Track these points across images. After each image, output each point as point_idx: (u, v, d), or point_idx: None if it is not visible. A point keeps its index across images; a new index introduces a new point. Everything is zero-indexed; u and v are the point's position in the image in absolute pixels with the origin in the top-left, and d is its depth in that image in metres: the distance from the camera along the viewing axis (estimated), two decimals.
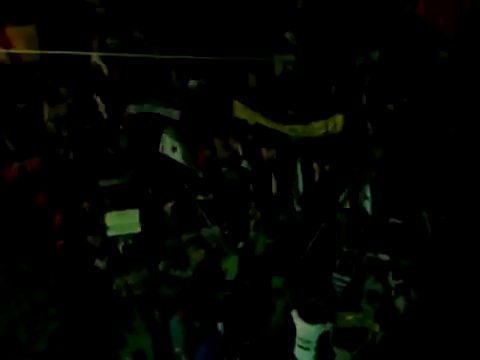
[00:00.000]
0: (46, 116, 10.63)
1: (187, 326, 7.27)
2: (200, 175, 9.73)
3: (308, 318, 6.99)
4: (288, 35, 11.33)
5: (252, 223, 8.94)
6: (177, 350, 7.29)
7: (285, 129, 9.61)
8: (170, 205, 9.24)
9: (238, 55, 11.13)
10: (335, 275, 8.01)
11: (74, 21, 11.81)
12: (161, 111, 10.33)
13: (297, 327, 7.06)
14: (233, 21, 12.23)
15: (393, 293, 7.73)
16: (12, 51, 10.82)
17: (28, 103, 10.82)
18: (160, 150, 9.44)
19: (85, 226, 8.78)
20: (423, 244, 8.44)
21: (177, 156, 9.33)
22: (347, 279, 7.94)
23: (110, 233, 8.61)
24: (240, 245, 8.64)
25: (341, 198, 8.65)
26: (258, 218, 8.96)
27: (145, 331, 7.53)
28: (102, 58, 11.18)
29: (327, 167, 9.49)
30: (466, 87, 10.49)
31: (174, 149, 9.31)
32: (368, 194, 8.75)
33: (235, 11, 12.22)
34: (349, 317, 7.12)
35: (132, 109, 10.45)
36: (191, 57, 10.75)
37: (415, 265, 8.02)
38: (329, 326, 7.03)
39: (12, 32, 10.98)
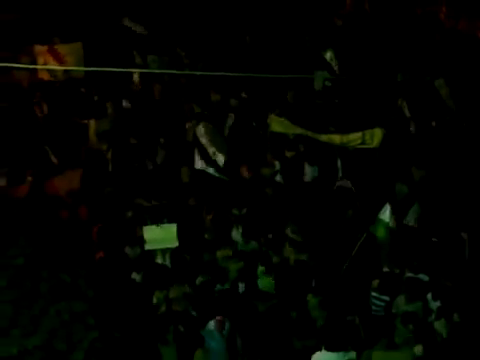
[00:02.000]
0: (91, 131, 10.92)
1: (228, 341, 7.28)
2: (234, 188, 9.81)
3: (329, 347, 6.74)
4: (328, 54, 11.29)
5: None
6: None
7: (323, 138, 9.56)
8: (209, 218, 9.31)
9: (278, 72, 11.21)
10: (373, 294, 7.86)
11: (117, 38, 12.16)
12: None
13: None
14: (272, 38, 12.34)
15: (433, 315, 7.56)
16: (63, 68, 11.21)
17: (73, 118, 11.15)
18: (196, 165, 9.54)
19: (124, 238, 8.93)
20: (462, 265, 8.22)
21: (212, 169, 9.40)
22: (386, 298, 7.78)
23: (148, 247, 8.71)
24: (275, 260, 8.62)
25: (383, 215, 8.47)
26: (292, 233, 8.92)
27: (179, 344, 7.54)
28: (143, 75, 11.43)
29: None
30: None
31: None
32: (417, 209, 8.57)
33: (273, 28, 12.33)
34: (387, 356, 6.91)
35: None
36: (232, 74, 10.89)
37: (456, 286, 7.80)
38: (354, 356, 6.78)
39: (62, 49, 11.39)
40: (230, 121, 11.04)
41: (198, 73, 11.41)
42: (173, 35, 12.52)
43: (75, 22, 12.22)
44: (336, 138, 9.48)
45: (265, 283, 8.30)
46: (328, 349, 6.73)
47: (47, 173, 10.20)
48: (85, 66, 11.27)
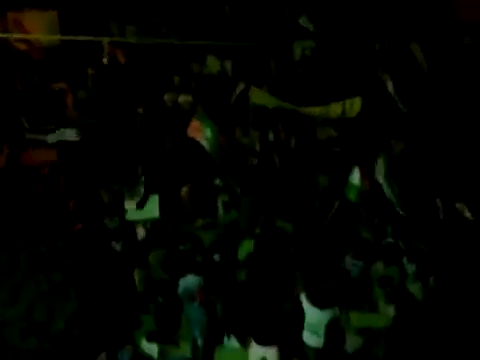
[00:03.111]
0: (69, 101, 10.74)
1: (207, 310, 7.36)
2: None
3: (316, 303, 6.97)
4: (302, 19, 11.20)
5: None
6: (196, 333, 7.38)
7: (303, 111, 9.57)
8: (186, 190, 9.30)
9: (259, 42, 11.10)
10: (348, 259, 7.99)
11: (93, 7, 11.90)
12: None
13: (306, 311, 7.05)
14: (252, 8, 12.17)
15: (409, 279, 7.70)
16: (33, 36, 10.95)
17: (50, 88, 10.95)
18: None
19: (103, 209, 8.90)
20: (437, 231, 8.37)
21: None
22: (360, 264, 7.91)
23: (129, 217, 8.72)
24: (257, 231, 8.68)
25: (352, 178, 8.58)
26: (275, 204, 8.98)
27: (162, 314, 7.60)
28: (120, 44, 11.23)
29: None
30: None
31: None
32: (385, 174, 8.75)
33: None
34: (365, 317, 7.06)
35: None
36: (210, 42, 10.75)
37: (431, 251, 7.95)
38: (338, 312, 6.98)
39: (37, 17, 11.11)
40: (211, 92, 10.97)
41: (177, 42, 11.27)
42: (152, 5, 12.28)
43: None
44: (316, 110, 9.50)
45: (245, 251, 8.34)
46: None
47: (24, 144, 10.06)
48: (61, 35, 11.04)
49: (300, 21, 11.20)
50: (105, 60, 11.09)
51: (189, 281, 7.58)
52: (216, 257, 8.06)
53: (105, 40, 11.05)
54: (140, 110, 10.53)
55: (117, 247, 8.31)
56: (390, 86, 10.17)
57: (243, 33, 11.42)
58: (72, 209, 8.86)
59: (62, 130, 9.99)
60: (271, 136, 10.23)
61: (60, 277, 7.83)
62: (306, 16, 11.19)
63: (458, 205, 8.58)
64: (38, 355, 7.36)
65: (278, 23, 11.64)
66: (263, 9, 12.00)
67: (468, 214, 8.45)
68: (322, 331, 6.91)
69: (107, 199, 9.09)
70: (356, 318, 6.99)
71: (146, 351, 7.14)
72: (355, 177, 8.60)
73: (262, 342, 6.93)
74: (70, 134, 9.95)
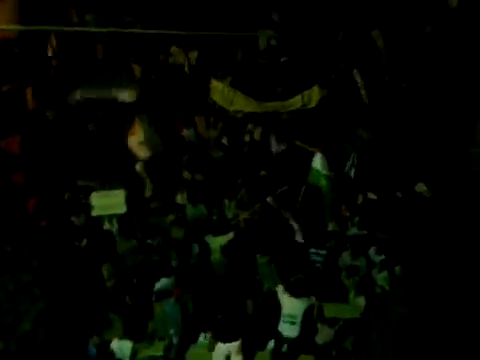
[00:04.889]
0: (29, 95, 10.45)
1: (182, 307, 7.34)
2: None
3: (294, 292, 7.05)
4: (275, 16, 11.15)
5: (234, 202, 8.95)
6: (171, 331, 7.35)
7: (263, 107, 9.59)
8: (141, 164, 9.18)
9: (224, 30, 10.99)
10: (312, 250, 8.10)
11: None
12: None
13: (283, 302, 7.12)
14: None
15: (376, 268, 7.86)
16: None
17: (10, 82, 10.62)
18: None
19: (68, 206, 8.74)
20: (397, 221, 8.55)
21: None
22: (323, 252, 8.03)
23: (95, 213, 8.58)
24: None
25: (315, 163, 8.67)
26: (243, 195, 8.98)
27: (132, 313, 7.55)
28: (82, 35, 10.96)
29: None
30: (450, 64, 10.45)
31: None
32: (354, 161, 8.90)
33: None
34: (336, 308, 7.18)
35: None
36: (175, 32, 10.59)
37: (397, 241, 8.12)
38: (314, 300, 7.11)
39: None
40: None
41: (139, 31, 11.05)
42: None
43: None
44: (277, 104, 9.54)
45: (215, 245, 8.35)
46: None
47: None
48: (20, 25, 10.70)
49: (273, 16, 11.11)
50: (49, 52, 10.81)
51: (163, 282, 7.53)
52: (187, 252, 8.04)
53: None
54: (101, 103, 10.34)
55: (83, 243, 8.20)
56: (359, 78, 10.23)
57: (208, 23, 11.29)
58: (33, 208, 8.65)
59: None
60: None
61: (27, 277, 7.68)
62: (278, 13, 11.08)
63: (419, 186, 8.76)
64: (4, 356, 7.23)
65: (243, 12, 11.56)
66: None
67: (425, 190, 8.62)
68: (298, 321, 6.99)
69: (70, 196, 8.94)
70: (329, 309, 7.09)
71: (116, 350, 7.09)
72: (318, 163, 8.64)
73: (223, 339, 6.95)
74: None
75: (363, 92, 9.89)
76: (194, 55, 11.22)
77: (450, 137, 9.70)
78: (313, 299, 7.13)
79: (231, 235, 8.25)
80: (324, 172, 8.73)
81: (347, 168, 9.30)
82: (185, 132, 10.16)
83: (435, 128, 9.83)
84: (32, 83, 10.35)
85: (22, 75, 10.55)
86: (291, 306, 7.08)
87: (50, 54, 10.87)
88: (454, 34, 10.54)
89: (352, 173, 9.18)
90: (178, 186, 9.27)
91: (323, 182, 8.77)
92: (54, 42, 10.85)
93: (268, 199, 8.77)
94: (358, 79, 9.99)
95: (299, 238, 8.33)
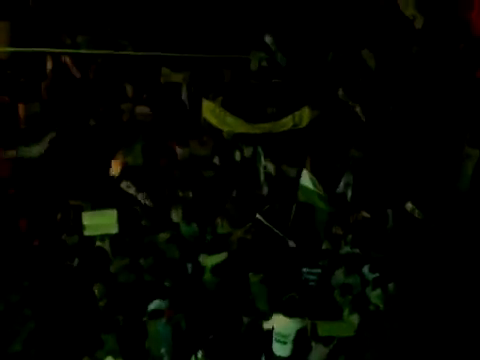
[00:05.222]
0: (21, 114, 10.44)
1: (173, 327, 7.27)
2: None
3: (286, 312, 7.03)
4: (268, 39, 11.24)
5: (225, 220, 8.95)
6: (162, 351, 7.26)
7: (254, 129, 9.69)
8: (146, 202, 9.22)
9: (214, 52, 11.13)
10: (305, 269, 8.09)
11: (46, 18, 11.64)
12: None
13: (275, 321, 7.09)
14: (210, 18, 12.19)
15: (370, 286, 7.85)
16: None
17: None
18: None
19: (60, 226, 8.69)
20: (388, 239, 8.60)
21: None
22: (317, 271, 8.02)
23: (87, 233, 8.53)
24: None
25: (304, 180, 8.72)
26: (233, 213, 8.99)
27: (124, 332, 7.46)
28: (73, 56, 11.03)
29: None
30: (438, 83, 10.64)
31: None
32: (350, 181, 8.94)
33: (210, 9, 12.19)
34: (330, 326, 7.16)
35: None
36: (167, 54, 10.70)
37: (390, 259, 8.14)
38: (307, 321, 7.07)
39: None
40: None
41: (132, 53, 11.15)
42: (106, 16, 12.12)
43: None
44: (267, 126, 9.63)
45: (209, 264, 8.31)
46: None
47: None
48: (12, 47, 10.74)
49: (266, 40, 11.21)
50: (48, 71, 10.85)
51: (156, 303, 7.48)
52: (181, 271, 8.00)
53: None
54: (92, 122, 10.36)
55: (75, 263, 8.13)
56: (345, 98, 10.35)
57: (200, 44, 11.43)
58: (24, 228, 8.59)
59: (23, 148, 9.68)
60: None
61: (17, 297, 7.58)
62: (271, 36, 11.16)
63: (408, 205, 8.82)
64: None
65: (236, 35, 11.72)
66: (222, 21, 12.07)
67: (417, 212, 8.68)
68: (290, 340, 6.95)
69: (62, 215, 8.90)
70: (323, 327, 7.06)
71: None
72: (306, 180, 8.69)
73: (215, 359, 6.89)
74: (33, 151, 9.63)
75: (358, 109, 10.00)
76: (185, 76, 11.33)
77: (441, 155, 9.83)
78: (306, 319, 7.07)
79: (225, 255, 8.21)
80: (315, 190, 8.72)
81: (340, 188, 9.34)
82: (179, 151, 10.19)
83: (426, 146, 9.95)
84: (24, 102, 10.34)
85: (14, 94, 10.56)
86: (283, 325, 7.04)
87: (47, 73, 10.87)
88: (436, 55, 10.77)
89: (349, 194, 9.20)
90: (172, 203, 9.24)
91: (315, 200, 8.76)
92: (50, 63, 10.85)
93: (257, 216, 8.77)
94: (345, 98, 10.12)
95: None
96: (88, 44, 11.54)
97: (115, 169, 9.65)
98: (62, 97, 10.79)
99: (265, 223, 8.70)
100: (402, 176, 9.54)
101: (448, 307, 7.63)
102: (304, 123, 9.58)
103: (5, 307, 7.56)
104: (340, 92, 10.52)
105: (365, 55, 10.78)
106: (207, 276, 8.12)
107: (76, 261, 8.14)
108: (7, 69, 11.04)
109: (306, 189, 8.76)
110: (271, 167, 9.87)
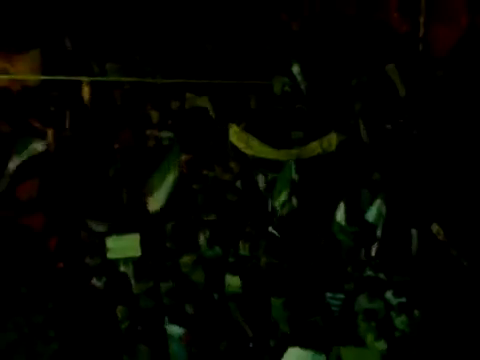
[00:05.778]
0: (50, 140, 10.70)
1: (190, 351, 7.23)
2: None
3: (306, 339, 6.89)
4: (295, 69, 11.24)
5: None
6: None
7: (280, 155, 9.72)
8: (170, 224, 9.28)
9: (239, 78, 11.29)
10: (328, 294, 7.97)
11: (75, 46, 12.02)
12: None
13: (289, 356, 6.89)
14: (232, 46, 12.42)
15: (395, 311, 7.69)
16: (16, 76, 10.97)
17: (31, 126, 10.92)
18: None
19: (84, 248, 8.80)
20: (413, 262, 8.44)
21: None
22: (340, 296, 7.90)
23: (110, 255, 8.63)
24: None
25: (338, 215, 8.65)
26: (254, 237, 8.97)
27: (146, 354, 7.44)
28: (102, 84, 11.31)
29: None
30: (462, 105, 10.55)
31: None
32: (382, 211, 8.77)
33: (233, 35, 12.42)
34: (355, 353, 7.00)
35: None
36: (193, 81, 10.90)
37: (414, 283, 7.98)
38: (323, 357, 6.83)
39: (20, 57, 11.16)
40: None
41: (158, 81, 11.40)
42: (132, 42, 12.46)
43: (32, 29, 11.99)
44: (294, 152, 9.65)
45: (232, 287, 8.26)
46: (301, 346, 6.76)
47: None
48: (42, 74, 11.09)
49: (293, 70, 11.25)
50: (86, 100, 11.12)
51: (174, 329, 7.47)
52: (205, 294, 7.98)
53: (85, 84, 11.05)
54: (116, 146, 10.54)
55: (98, 285, 8.20)
56: (364, 134, 10.29)
57: (224, 70, 11.61)
58: (54, 248, 8.74)
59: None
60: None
61: (41, 319, 7.66)
62: (299, 65, 11.17)
63: (433, 227, 8.65)
64: None
65: (259, 61, 11.87)
66: (246, 47, 12.26)
67: (441, 235, 8.49)
68: None
69: (87, 237, 9.02)
70: (347, 354, 6.90)
71: None
72: (340, 215, 8.61)
73: None
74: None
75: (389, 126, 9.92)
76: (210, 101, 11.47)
77: (468, 177, 9.69)
78: (323, 356, 6.80)
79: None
80: (345, 226, 8.64)
81: (373, 218, 9.12)
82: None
83: (452, 168, 9.83)
84: (54, 127, 10.61)
85: (44, 120, 10.86)
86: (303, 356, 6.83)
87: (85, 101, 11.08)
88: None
89: (380, 228, 9.02)
90: (199, 227, 9.27)
91: (343, 237, 8.67)
92: (87, 90, 11.10)
93: (270, 229, 8.72)
94: (364, 135, 10.05)
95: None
96: (116, 71, 11.85)
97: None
98: (88, 124, 11.07)
99: (277, 235, 8.65)
100: (428, 198, 9.40)
101: (478, 333, 7.42)
102: (332, 148, 9.60)
103: (29, 328, 7.64)
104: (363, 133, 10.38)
105: (389, 70, 10.63)
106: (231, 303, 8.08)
107: (99, 283, 8.20)
108: (38, 96, 11.40)
109: (337, 225, 8.68)
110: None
